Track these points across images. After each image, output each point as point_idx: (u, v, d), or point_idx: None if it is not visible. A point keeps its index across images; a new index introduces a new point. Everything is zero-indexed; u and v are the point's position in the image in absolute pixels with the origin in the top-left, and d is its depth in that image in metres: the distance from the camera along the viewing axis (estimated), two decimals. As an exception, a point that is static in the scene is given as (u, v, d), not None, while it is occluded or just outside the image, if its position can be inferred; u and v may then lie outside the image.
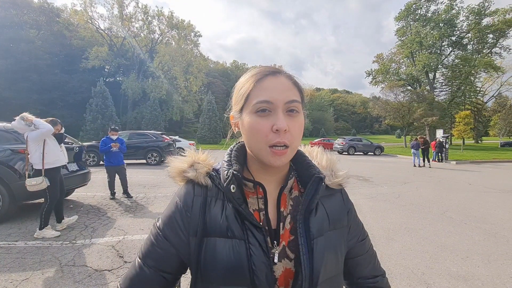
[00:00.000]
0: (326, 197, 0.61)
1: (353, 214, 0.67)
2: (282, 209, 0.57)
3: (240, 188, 0.54)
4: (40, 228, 3.54)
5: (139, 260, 0.57)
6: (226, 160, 0.59)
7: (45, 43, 36.83)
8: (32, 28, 36.62)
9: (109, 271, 2.70)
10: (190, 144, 17.65)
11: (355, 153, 21.64)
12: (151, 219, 4.36)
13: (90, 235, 3.64)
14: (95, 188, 6.53)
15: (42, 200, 3.71)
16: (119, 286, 0.57)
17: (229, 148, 0.64)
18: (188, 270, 0.59)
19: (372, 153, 21.91)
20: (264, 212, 0.56)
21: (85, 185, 5.58)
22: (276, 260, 0.53)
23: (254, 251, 0.50)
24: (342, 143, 21.89)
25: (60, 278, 2.55)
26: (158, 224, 0.59)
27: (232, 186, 0.53)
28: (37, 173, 3.52)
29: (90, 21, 40.43)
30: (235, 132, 0.62)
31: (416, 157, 13.14)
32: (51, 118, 3.85)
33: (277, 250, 0.54)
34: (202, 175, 0.58)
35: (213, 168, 0.61)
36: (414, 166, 12.97)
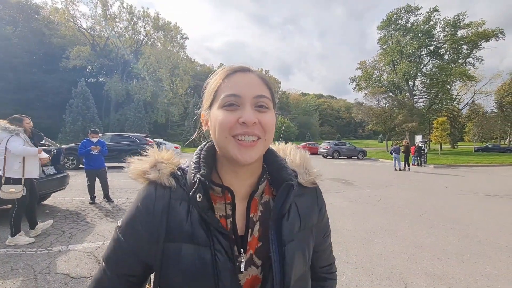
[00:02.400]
0: (299, 196, 0.60)
1: (324, 211, 0.67)
2: (252, 215, 0.56)
3: (207, 194, 0.51)
4: (12, 235, 3.35)
5: (103, 264, 0.56)
6: (194, 161, 0.56)
7: (23, 40, 35.19)
8: (9, 24, 34.88)
9: (87, 278, 2.60)
10: (175, 147, 17.34)
11: (339, 157, 22.09)
12: (133, 224, 4.24)
13: (68, 241, 3.49)
14: (74, 192, 6.27)
15: (9, 206, 3.51)
16: None
17: (199, 148, 0.60)
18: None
19: (356, 157, 22.46)
20: (231, 219, 0.54)
21: (63, 189, 5.35)
22: (242, 269, 0.52)
23: (219, 258, 0.49)
24: (327, 147, 22.28)
25: (33, 287, 2.42)
26: (119, 228, 0.55)
27: (198, 195, 0.50)
28: (16, 181, 3.34)
29: (72, 20, 39.13)
30: (204, 131, 0.60)
31: (396, 161, 13.59)
32: (14, 116, 3.58)
33: (243, 258, 0.52)
34: (166, 175, 0.55)
35: (178, 167, 0.58)
36: (395, 170, 13.43)
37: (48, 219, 4.16)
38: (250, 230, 0.54)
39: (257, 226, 0.55)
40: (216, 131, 0.51)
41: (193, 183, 0.51)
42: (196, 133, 0.63)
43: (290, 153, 0.66)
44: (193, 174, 0.52)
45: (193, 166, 0.54)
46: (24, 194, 3.39)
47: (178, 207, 0.52)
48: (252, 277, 0.53)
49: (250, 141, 0.49)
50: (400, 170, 13.40)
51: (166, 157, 0.58)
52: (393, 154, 13.78)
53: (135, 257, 0.54)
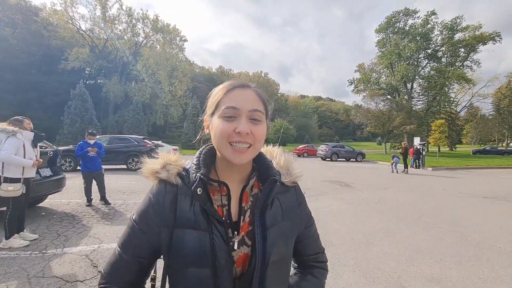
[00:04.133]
0: (281, 193, 0.72)
1: (303, 205, 0.78)
2: (243, 204, 0.67)
3: (206, 189, 0.63)
4: (7, 238, 3.32)
5: (119, 249, 0.66)
6: (195, 162, 0.67)
7: (21, 42, 35.12)
8: (8, 26, 34.81)
9: (81, 281, 2.57)
10: (173, 149, 17.30)
11: (338, 159, 22.11)
12: (129, 227, 4.20)
13: (63, 244, 3.45)
14: (70, 195, 6.23)
15: (4, 208, 3.47)
16: (102, 271, 0.67)
17: (198, 151, 0.71)
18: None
19: (354, 160, 22.47)
20: (227, 207, 0.66)
21: (59, 191, 5.31)
22: (235, 247, 0.64)
23: (216, 241, 0.61)
24: (326, 149, 22.29)
25: (26, 290, 2.39)
26: (133, 217, 0.67)
27: (198, 189, 0.61)
28: (14, 180, 3.32)
29: (71, 22, 39.11)
30: (205, 133, 0.71)
31: (394, 166, 13.62)
32: (14, 117, 3.57)
33: (236, 239, 0.64)
34: (173, 175, 0.66)
35: (184, 168, 0.69)
36: (392, 172, 13.49)
37: (44, 222, 4.13)
38: (242, 217, 0.66)
39: (247, 213, 0.67)
40: (216, 137, 0.62)
41: (194, 180, 0.62)
42: (199, 135, 0.75)
43: (276, 156, 0.78)
44: (194, 173, 0.64)
45: (194, 167, 0.66)
46: (24, 192, 3.37)
47: (183, 200, 0.64)
48: (244, 254, 0.65)
49: (242, 148, 0.60)
50: (398, 172, 13.42)
51: (173, 159, 0.70)
52: (395, 158, 13.77)
53: (147, 242, 0.65)
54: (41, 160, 3.72)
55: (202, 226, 0.61)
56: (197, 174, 0.62)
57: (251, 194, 0.69)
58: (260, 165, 0.72)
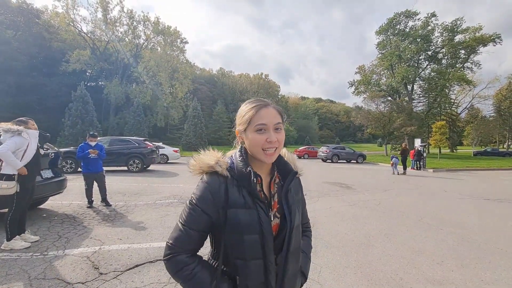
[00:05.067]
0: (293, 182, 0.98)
1: (303, 192, 1.06)
2: (272, 190, 0.92)
3: (256, 179, 0.84)
4: (8, 239, 3.32)
5: (184, 226, 0.85)
6: (240, 160, 0.88)
7: (23, 44, 35.28)
8: (9, 28, 34.99)
9: (82, 283, 2.57)
10: (174, 151, 17.31)
11: (339, 161, 22.06)
12: (130, 229, 4.20)
13: (64, 246, 3.45)
14: (71, 196, 6.24)
15: (5, 210, 3.47)
16: (169, 244, 0.85)
17: (239, 151, 0.92)
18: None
19: (355, 161, 22.44)
20: (262, 192, 0.88)
21: (60, 192, 5.32)
22: (272, 219, 0.87)
23: (261, 215, 0.83)
24: (326, 151, 22.27)
25: (28, 292, 2.39)
26: (194, 201, 0.85)
27: (254, 179, 0.83)
28: (9, 177, 3.31)
29: (72, 24, 39.25)
30: (239, 142, 0.93)
31: (395, 167, 13.70)
32: (19, 118, 3.58)
33: (272, 213, 0.88)
34: (225, 169, 0.86)
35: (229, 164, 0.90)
36: (393, 174, 13.51)
37: (45, 223, 4.13)
38: (272, 199, 0.91)
39: (275, 196, 0.92)
40: (253, 146, 0.86)
41: (246, 173, 0.84)
42: (234, 144, 0.98)
43: (285, 154, 1.03)
44: (243, 168, 0.85)
45: (241, 164, 0.87)
46: (18, 191, 3.34)
47: (232, 188, 0.85)
48: (276, 224, 0.89)
49: (272, 151, 0.85)
50: (398, 174, 13.42)
51: (220, 156, 0.90)
52: (393, 159, 13.90)
53: (208, 219, 0.84)
54: (25, 170, 3.44)
55: (251, 205, 0.83)
56: (248, 168, 0.85)
57: (275, 183, 0.93)
58: (279, 162, 0.95)
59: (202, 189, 0.86)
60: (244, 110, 0.89)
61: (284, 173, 0.95)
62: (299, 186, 1.03)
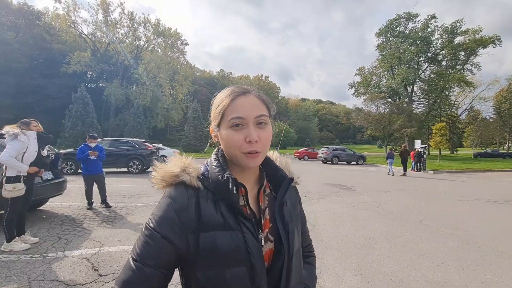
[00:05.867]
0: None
1: (301, 204, 0.85)
2: (261, 204, 0.70)
3: (237, 189, 0.63)
4: (8, 241, 3.32)
5: (136, 262, 0.60)
6: (215, 165, 0.68)
7: (24, 46, 35.38)
8: (10, 30, 35.17)
9: (82, 285, 2.56)
10: (174, 152, 17.32)
11: (339, 163, 22.06)
12: (130, 230, 4.20)
13: (63, 248, 3.45)
14: (71, 198, 6.23)
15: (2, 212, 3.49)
16: None
17: (214, 154, 0.72)
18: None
19: (355, 163, 22.44)
20: (248, 207, 0.66)
21: (60, 194, 5.32)
22: (263, 243, 0.66)
23: (248, 238, 0.62)
24: (326, 152, 22.27)
25: (27, 294, 2.39)
26: (152, 225, 0.62)
27: (234, 188, 0.62)
28: (16, 179, 3.35)
29: (73, 26, 39.40)
30: (214, 142, 0.73)
31: (390, 166, 14.05)
32: (22, 120, 3.63)
33: (262, 235, 0.66)
34: (195, 178, 0.65)
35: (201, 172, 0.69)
36: (388, 174, 13.67)
37: (45, 225, 4.12)
38: (262, 215, 0.69)
39: (267, 212, 0.70)
40: (228, 148, 0.65)
41: (223, 181, 0.63)
42: (208, 144, 0.78)
43: (277, 159, 0.82)
44: (220, 175, 0.64)
45: (217, 169, 0.66)
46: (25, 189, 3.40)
47: (206, 203, 0.63)
48: (269, 250, 0.67)
49: (254, 153, 0.63)
50: (393, 175, 13.52)
51: (189, 162, 0.69)
52: (388, 159, 14.21)
53: (172, 249, 0.61)
54: (36, 169, 3.60)
55: (233, 225, 0.62)
56: (225, 174, 0.64)
57: (265, 194, 0.73)
58: (268, 167, 0.75)
59: (163, 207, 0.63)
60: (218, 99, 0.68)
61: (276, 181, 0.73)
62: (296, 197, 0.82)
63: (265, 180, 0.74)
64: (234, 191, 0.62)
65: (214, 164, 0.68)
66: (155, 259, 0.60)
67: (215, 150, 0.73)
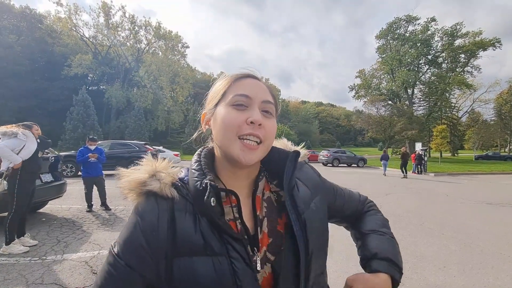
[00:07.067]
0: (298, 170, 0.63)
1: (321, 177, 0.71)
2: (258, 213, 0.56)
3: (219, 199, 0.50)
4: (7, 243, 3.30)
5: None
6: (195, 168, 0.54)
7: (26, 49, 35.63)
8: (12, 33, 35.42)
9: (80, 289, 2.54)
10: (174, 154, 17.31)
11: (339, 165, 22.04)
12: (129, 233, 4.18)
13: (62, 251, 3.43)
14: (71, 200, 6.22)
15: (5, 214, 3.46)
16: None
17: (196, 154, 0.59)
18: None
19: (356, 165, 22.41)
20: (240, 220, 0.52)
21: (60, 196, 5.31)
22: (259, 268, 0.51)
23: (237, 266, 0.47)
24: (327, 155, 22.27)
25: (25, 297, 2.37)
26: (115, 251, 0.49)
27: (212, 199, 0.48)
28: None
29: (74, 29, 39.65)
30: (204, 131, 0.60)
31: (384, 167, 14.76)
32: (24, 122, 3.66)
33: (258, 256, 0.52)
34: (168, 185, 0.51)
35: (177, 178, 0.56)
36: (384, 175, 14.20)
37: (44, 228, 4.11)
38: (259, 228, 0.54)
39: (265, 223, 0.55)
40: (222, 129, 0.51)
41: (201, 190, 0.49)
42: (196, 133, 0.63)
43: (277, 142, 0.70)
44: (199, 181, 0.50)
45: (196, 174, 0.53)
46: (6, 188, 3.34)
47: (183, 218, 0.49)
48: (269, 274, 0.52)
49: (254, 144, 0.50)
50: (385, 175, 13.95)
51: (163, 166, 0.55)
52: (382, 161, 14.82)
53: (139, 280, 0.48)
54: (19, 164, 3.47)
55: (216, 249, 0.48)
56: (204, 181, 0.49)
57: (264, 199, 0.58)
58: (269, 156, 0.58)
59: (129, 227, 0.50)
60: (219, 82, 0.58)
61: (278, 166, 0.59)
62: (312, 174, 0.68)
63: (263, 180, 0.59)
64: (212, 203, 0.48)
65: (194, 167, 0.55)
66: None
67: (198, 150, 0.60)
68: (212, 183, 0.49)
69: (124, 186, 0.52)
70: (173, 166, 0.57)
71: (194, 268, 0.47)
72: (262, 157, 0.54)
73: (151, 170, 0.53)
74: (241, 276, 0.47)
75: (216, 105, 0.55)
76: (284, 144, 0.69)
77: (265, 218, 0.56)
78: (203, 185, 0.49)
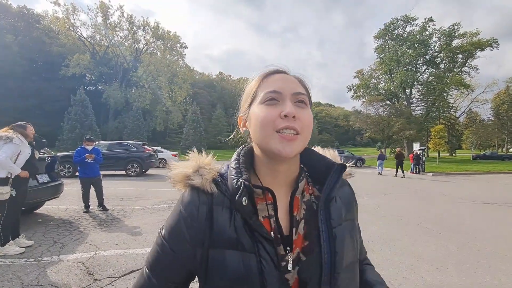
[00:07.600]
0: (339, 187, 0.61)
1: (357, 206, 0.69)
2: (295, 214, 0.55)
3: (251, 199, 0.51)
4: (2, 245, 3.27)
5: (147, 271, 0.56)
6: (234, 166, 0.57)
7: (23, 49, 35.43)
8: (10, 33, 35.20)
9: (76, 290, 2.52)
10: (172, 155, 17.28)
11: (338, 165, 22.05)
12: (126, 234, 4.16)
13: (59, 251, 3.41)
14: (68, 201, 6.18)
15: None
16: None
17: (236, 153, 0.61)
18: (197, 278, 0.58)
19: (354, 165, 22.35)
20: (274, 218, 0.53)
21: (57, 197, 5.28)
22: (290, 268, 0.51)
23: (265, 265, 0.49)
24: (326, 155, 22.29)
25: (20, 299, 2.35)
26: (163, 233, 0.56)
27: (243, 198, 0.50)
28: (3, 181, 3.27)
29: (72, 29, 39.54)
30: (242, 132, 0.61)
31: (380, 167, 15.10)
32: (18, 123, 3.62)
33: (290, 257, 0.52)
34: (208, 181, 0.55)
35: (219, 174, 0.59)
36: (379, 174, 14.55)
37: (41, 229, 4.07)
38: (295, 229, 0.54)
39: (301, 225, 0.55)
40: (258, 127, 0.52)
41: (236, 188, 0.51)
42: (232, 134, 0.67)
43: (319, 151, 0.68)
44: (235, 179, 0.53)
45: (234, 172, 0.55)
46: (14, 195, 3.33)
47: (221, 212, 0.53)
48: (297, 279, 0.52)
49: (291, 134, 0.50)
50: (381, 174, 14.15)
51: (206, 162, 0.58)
52: (378, 160, 15.15)
53: (181, 263, 0.54)
54: (27, 174, 3.54)
55: (246, 246, 0.50)
56: (240, 180, 0.52)
57: (303, 200, 0.58)
58: (310, 160, 0.62)
59: (174, 214, 0.56)
60: (250, 83, 0.60)
61: (321, 174, 0.60)
62: (351, 196, 0.67)
63: (303, 181, 0.58)
64: (243, 203, 0.49)
65: (232, 165, 0.57)
66: (164, 270, 0.55)
67: (238, 149, 0.62)
68: (246, 182, 0.51)
69: (172, 178, 0.57)
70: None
71: (225, 260, 0.50)
72: (302, 149, 0.54)
73: (195, 166, 0.57)
74: (268, 275, 0.48)
75: (250, 106, 0.57)
76: (333, 155, 0.68)
77: (302, 220, 0.56)
78: (238, 184, 0.51)
